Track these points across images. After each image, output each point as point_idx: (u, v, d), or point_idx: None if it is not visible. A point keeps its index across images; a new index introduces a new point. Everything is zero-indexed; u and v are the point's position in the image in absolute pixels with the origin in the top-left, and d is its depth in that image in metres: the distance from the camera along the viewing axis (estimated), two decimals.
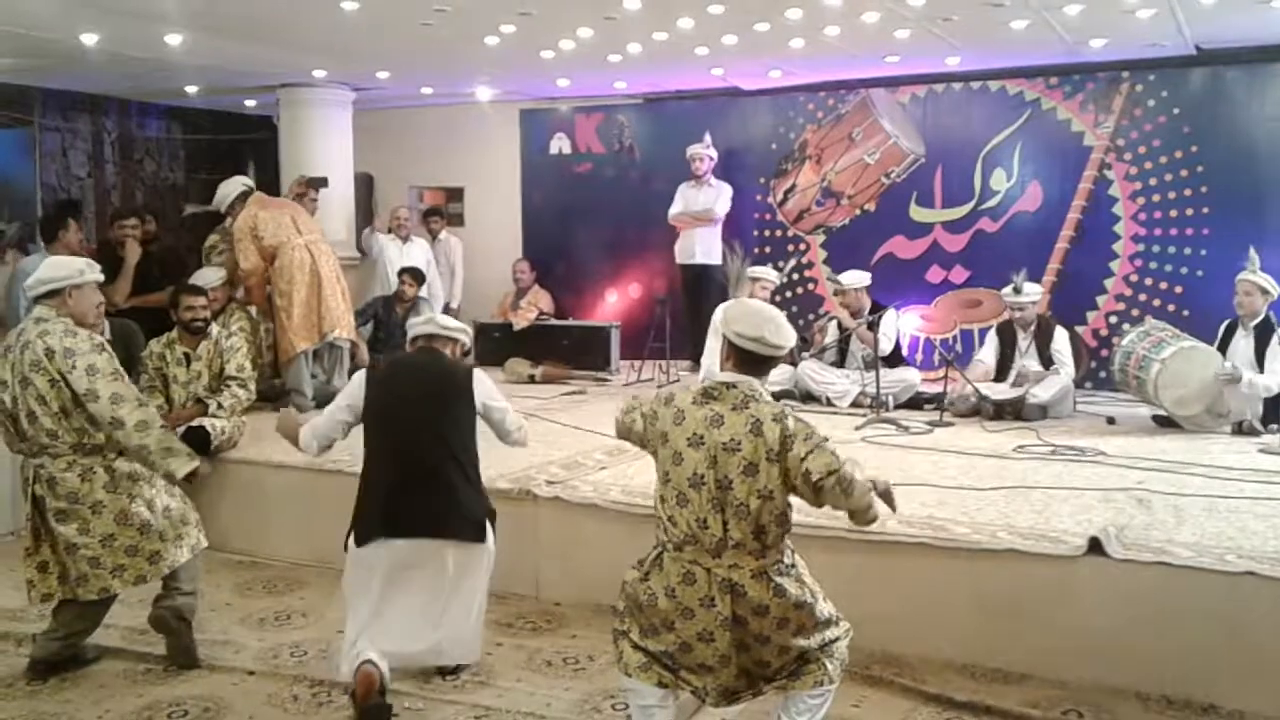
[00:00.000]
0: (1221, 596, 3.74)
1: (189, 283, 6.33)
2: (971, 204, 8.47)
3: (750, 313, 3.01)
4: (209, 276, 6.77)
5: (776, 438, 2.84)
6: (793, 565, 3.00)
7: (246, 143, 10.70)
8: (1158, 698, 3.69)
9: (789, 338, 2.99)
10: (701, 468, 2.87)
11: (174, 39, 7.04)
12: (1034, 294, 7.02)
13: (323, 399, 7.25)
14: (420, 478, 3.79)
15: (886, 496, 3.03)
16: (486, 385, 4.04)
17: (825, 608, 3.05)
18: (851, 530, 4.25)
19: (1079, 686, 3.77)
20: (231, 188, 7.18)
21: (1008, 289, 7.02)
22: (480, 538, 3.89)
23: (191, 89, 9.30)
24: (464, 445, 3.90)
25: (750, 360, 2.97)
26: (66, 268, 4.04)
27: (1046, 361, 6.89)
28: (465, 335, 4.20)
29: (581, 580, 4.72)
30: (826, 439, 2.90)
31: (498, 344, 9.01)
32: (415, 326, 4.14)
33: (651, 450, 3.06)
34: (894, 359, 7.37)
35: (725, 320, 3.02)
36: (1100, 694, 3.72)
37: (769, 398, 2.97)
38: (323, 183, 8.17)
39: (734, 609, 2.90)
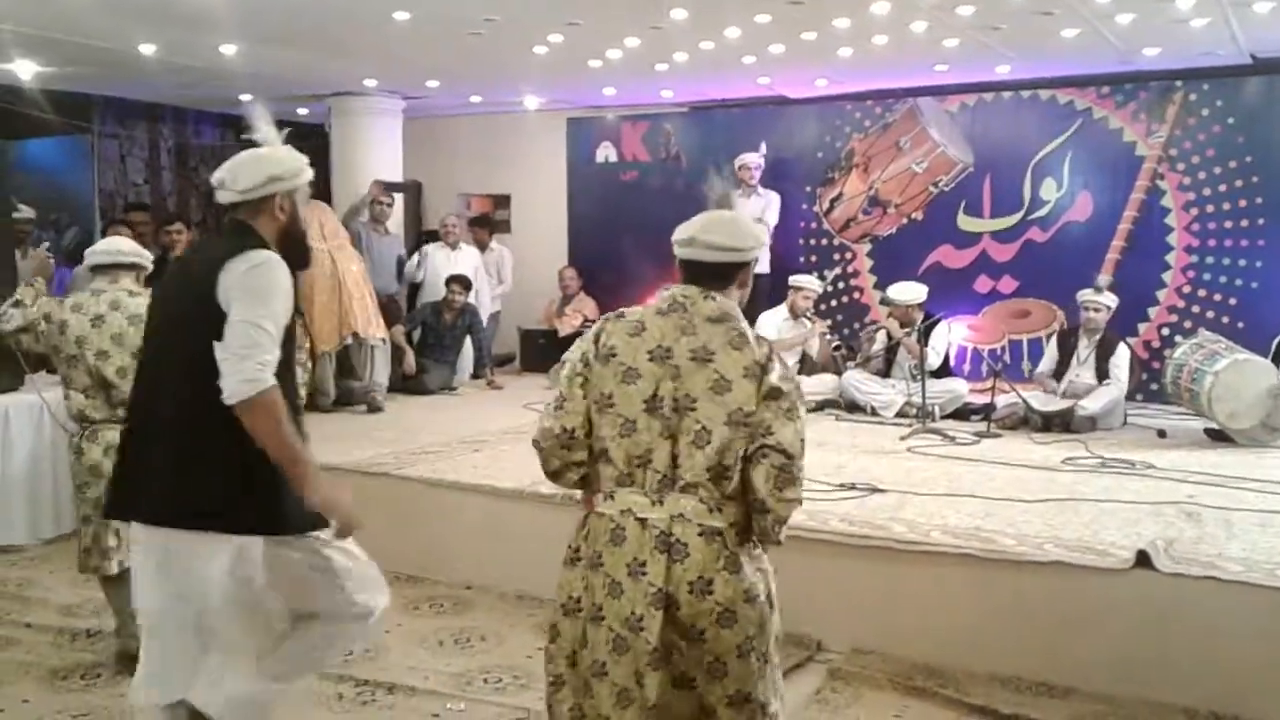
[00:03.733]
0: (1272, 612, 3.68)
1: None
2: (1021, 214, 8.40)
3: (689, 220, 2.46)
4: None
5: (761, 356, 2.33)
6: (757, 545, 2.38)
7: (299, 150, 10.85)
8: (1205, 714, 3.64)
9: (736, 236, 2.42)
10: (663, 385, 2.31)
11: (228, 49, 7.18)
12: (1110, 299, 6.94)
13: (350, 397, 7.40)
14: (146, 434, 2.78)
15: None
16: (241, 278, 2.64)
17: (777, 662, 2.44)
18: (895, 539, 4.28)
19: (1124, 701, 3.73)
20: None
21: (1087, 290, 6.94)
22: (208, 524, 2.68)
23: (245, 97, 9.46)
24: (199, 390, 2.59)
25: (699, 273, 2.42)
26: (134, 249, 4.18)
27: (1101, 374, 6.82)
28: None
29: None
30: (797, 406, 2.33)
31: (543, 350, 9.06)
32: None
33: (582, 388, 2.40)
34: (941, 369, 7.33)
35: None
36: (1146, 709, 3.68)
37: (744, 321, 2.42)
38: (396, 188, 8.34)
39: (668, 579, 2.26)
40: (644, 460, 2.32)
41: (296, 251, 2.87)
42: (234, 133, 10.78)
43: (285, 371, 2.69)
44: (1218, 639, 3.72)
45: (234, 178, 2.82)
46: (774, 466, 2.25)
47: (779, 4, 6.03)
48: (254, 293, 2.63)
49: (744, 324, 2.40)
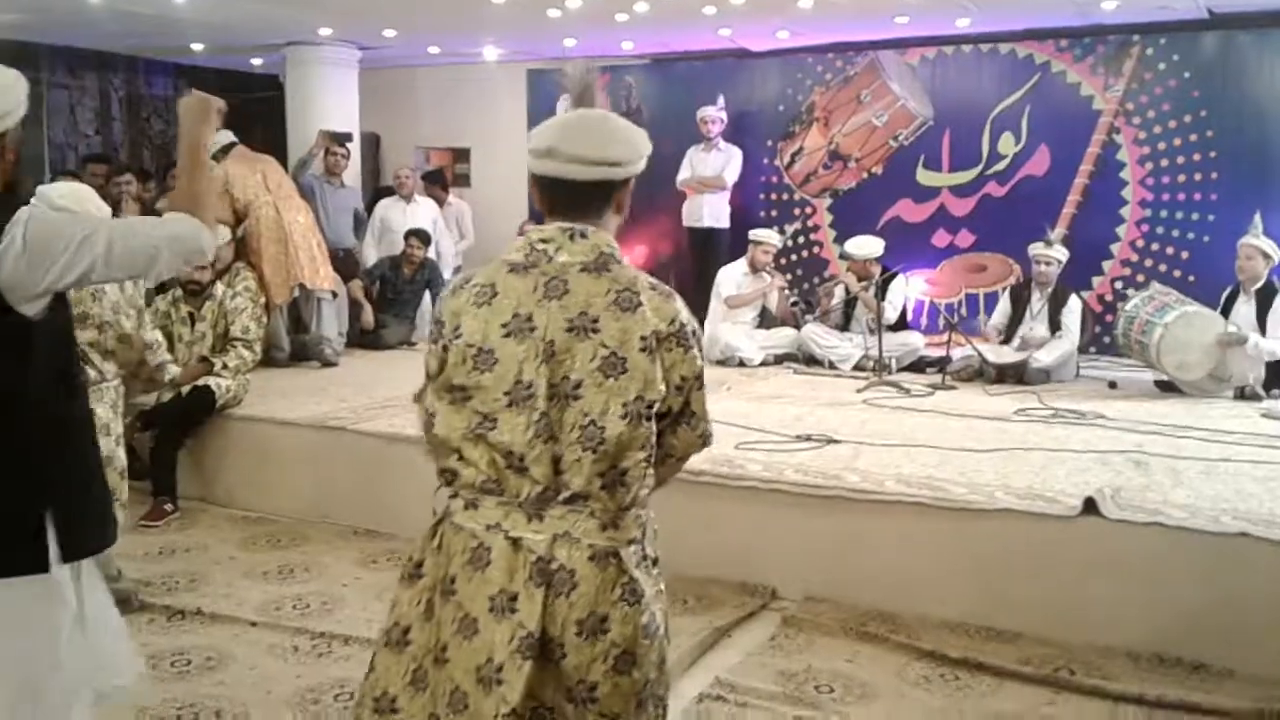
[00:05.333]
0: (1214, 557, 3.76)
1: None
2: (979, 168, 8.43)
3: (547, 123, 1.93)
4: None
5: (664, 317, 1.83)
6: (655, 561, 1.93)
7: (253, 101, 10.67)
8: (1149, 656, 3.72)
9: (610, 143, 1.88)
10: (529, 367, 1.78)
11: None
12: (1060, 253, 6.99)
13: (306, 351, 7.35)
14: None
15: None
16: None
17: (669, 702, 2.01)
18: (849, 489, 4.33)
19: (1071, 645, 3.81)
20: (218, 138, 7.26)
21: (1038, 243, 7.00)
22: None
23: (197, 46, 9.27)
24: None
25: (563, 194, 1.88)
26: (99, 200, 4.11)
27: (1055, 326, 6.89)
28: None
29: None
30: (702, 379, 1.94)
31: None
32: None
33: (440, 372, 1.90)
34: (898, 323, 7.38)
35: None
36: (1092, 652, 3.76)
37: (629, 266, 1.91)
38: (346, 138, 8.21)
39: (546, 617, 1.77)
40: (515, 463, 1.79)
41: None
42: (187, 83, 10.59)
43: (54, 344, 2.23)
44: (1161, 583, 3.81)
45: None
46: (694, 429, 1.95)
47: None
48: None
49: (630, 269, 1.88)
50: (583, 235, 1.87)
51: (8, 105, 2.24)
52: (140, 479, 5.17)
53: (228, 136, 7.33)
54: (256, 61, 10.00)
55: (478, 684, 1.78)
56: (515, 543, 1.80)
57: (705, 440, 1.98)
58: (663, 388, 1.83)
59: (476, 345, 1.83)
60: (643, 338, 1.80)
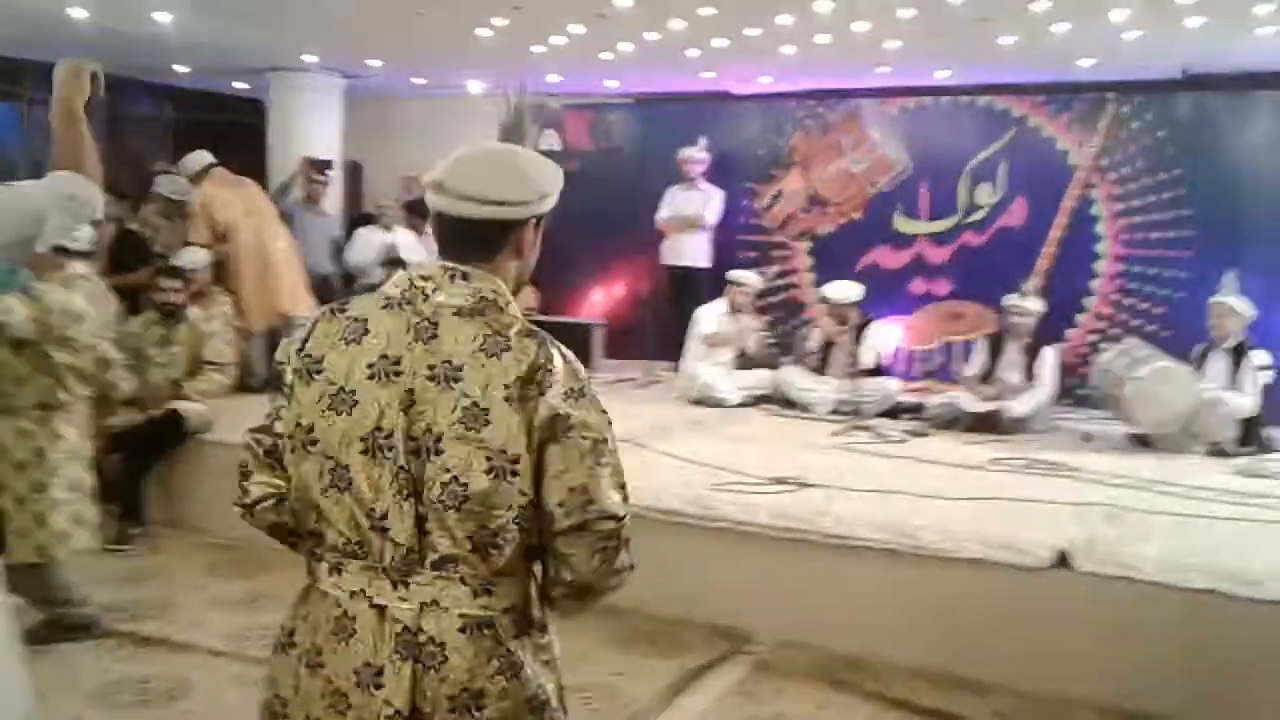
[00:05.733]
0: (1183, 613, 3.78)
1: (169, 264, 6.31)
2: (957, 217, 8.51)
3: (454, 155, 1.76)
4: (192, 258, 6.74)
5: (529, 364, 1.62)
6: (544, 631, 1.76)
7: (235, 125, 10.67)
8: (1116, 711, 3.73)
9: (504, 181, 1.73)
10: (389, 415, 1.63)
11: (163, 16, 7.03)
12: (1035, 305, 7.05)
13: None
14: None
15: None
16: None
17: None
18: (823, 534, 4.33)
19: (1040, 697, 3.81)
20: (197, 160, 7.24)
21: (1012, 295, 7.06)
22: None
23: (181, 68, 9.27)
24: None
25: (451, 232, 1.74)
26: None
27: (1029, 377, 6.93)
28: None
29: None
30: (604, 440, 1.68)
31: None
32: None
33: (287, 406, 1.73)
34: (874, 369, 7.40)
35: None
36: (1061, 706, 3.76)
37: (517, 311, 1.74)
38: (327, 165, 8.19)
39: (415, 693, 1.63)
40: (376, 525, 1.64)
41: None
42: (169, 104, 10.56)
43: None
44: (1131, 638, 3.82)
45: None
46: (599, 537, 1.65)
47: None
48: None
49: (509, 314, 1.70)
50: (464, 277, 1.71)
51: None
52: (109, 502, 5.09)
53: (206, 158, 7.29)
54: (240, 85, 10.00)
55: None
56: (381, 611, 1.64)
57: (606, 555, 1.66)
58: (524, 440, 1.61)
59: (337, 385, 1.67)
60: (505, 385, 1.61)
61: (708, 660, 4.08)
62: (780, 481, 5.03)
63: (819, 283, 8.41)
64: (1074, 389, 7.79)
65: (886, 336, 7.84)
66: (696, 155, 8.60)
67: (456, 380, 1.62)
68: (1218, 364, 6.36)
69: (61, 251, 3.94)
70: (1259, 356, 6.01)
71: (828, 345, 7.46)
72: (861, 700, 3.82)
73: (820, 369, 7.49)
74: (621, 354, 8.65)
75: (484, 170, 1.74)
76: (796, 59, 7.56)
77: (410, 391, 1.63)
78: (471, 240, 1.73)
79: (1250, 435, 6.17)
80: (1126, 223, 8.00)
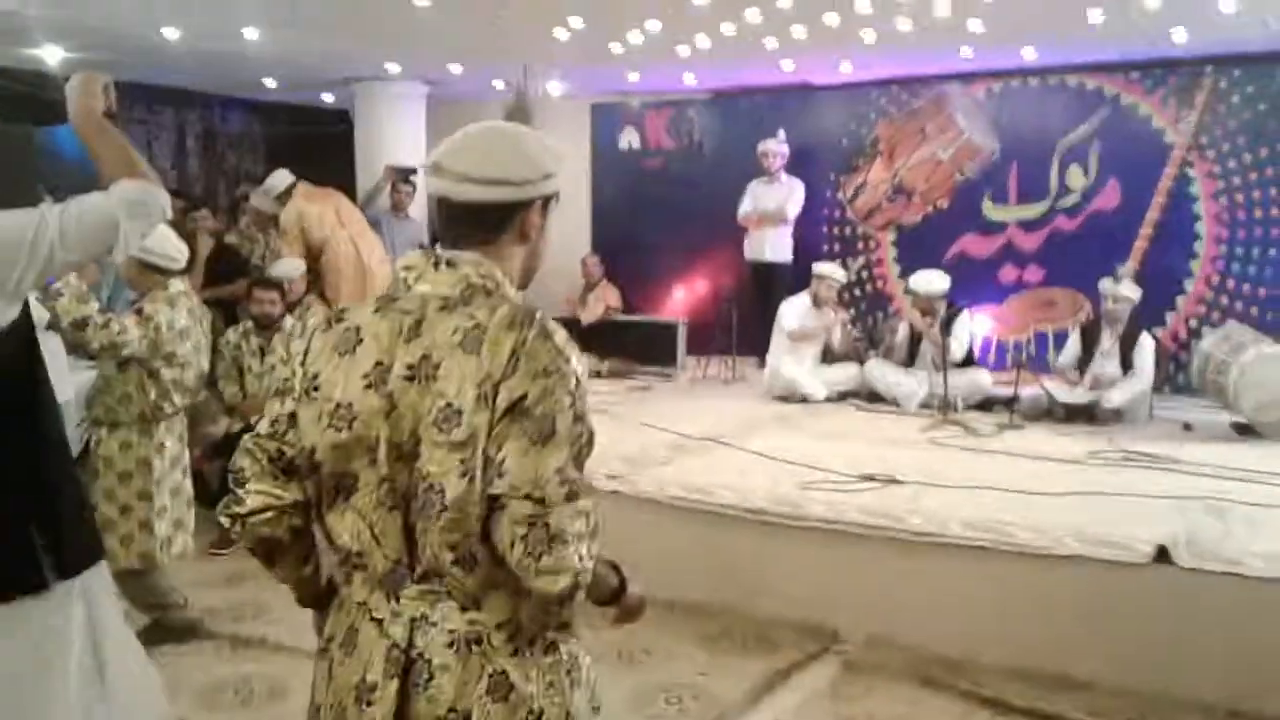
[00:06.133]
0: None
1: (264, 275, 6.48)
2: (1048, 201, 8.30)
3: (453, 135, 1.69)
4: (287, 268, 6.90)
5: (505, 354, 1.50)
6: (554, 648, 1.62)
7: (324, 136, 10.90)
8: (1223, 710, 3.60)
9: (503, 160, 1.63)
10: (377, 422, 1.55)
11: (251, 33, 7.20)
12: (1131, 291, 6.84)
13: None
14: None
15: (627, 611, 1.82)
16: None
17: None
18: (912, 531, 4.26)
19: (1141, 695, 3.69)
20: (279, 180, 7.41)
21: (1107, 280, 6.86)
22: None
23: (270, 83, 9.49)
24: None
25: (449, 217, 1.65)
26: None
27: (1126, 366, 6.73)
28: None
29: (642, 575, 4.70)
30: (584, 435, 1.55)
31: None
32: None
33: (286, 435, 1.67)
34: (964, 360, 7.26)
35: None
36: (1164, 704, 3.64)
37: (514, 296, 1.64)
38: (411, 171, 8.33)
39: (406, 714, 1.56)
40: (372, 534, 1.58)
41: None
42: (260, 119, 10.84)
43: None
44: (1238, 635, 3.69)
45: None
46: (515, 522, 1.46)
47: None
48: None
49: (503, 303, 1.58)
50: (449, 264, 1.60)
51: None
52: (209, 507, 5.25)
53: (288, 176, 7.46)
54: (327, 97, 10.20)
55: None
56: (380, 625, 1.58)
57: (529, 544, 1.46)
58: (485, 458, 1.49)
59: (335, 401, 1.58)
60: (478, 383, 1.49)
61: (796, 659, 4.05)
62: (868, 479, 4.97)
63: (905, 274, 8.29)
64: (1173, 377, 7.54)
65: (976, 327, 7.68)
66: (776, 148, 8.53)
67: (434, 379, 1.52)
68: None
69: (160, 271, 4.07)
70: None
71: (915, 338, 7.34)
72: (954, 700, 3.75)
73: (908, 362, 7.37)
74: (705, 351, 8.63)
75: (483, 149, 1.65)
76: (877, 45, 7.41)
77: (390, 394, 1.54)
78: (471, 225, 1.64)
79: None
80: (1226, 201, 7.70)
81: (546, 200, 1.70)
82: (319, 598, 1.78)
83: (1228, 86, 7.67)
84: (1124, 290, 6.78)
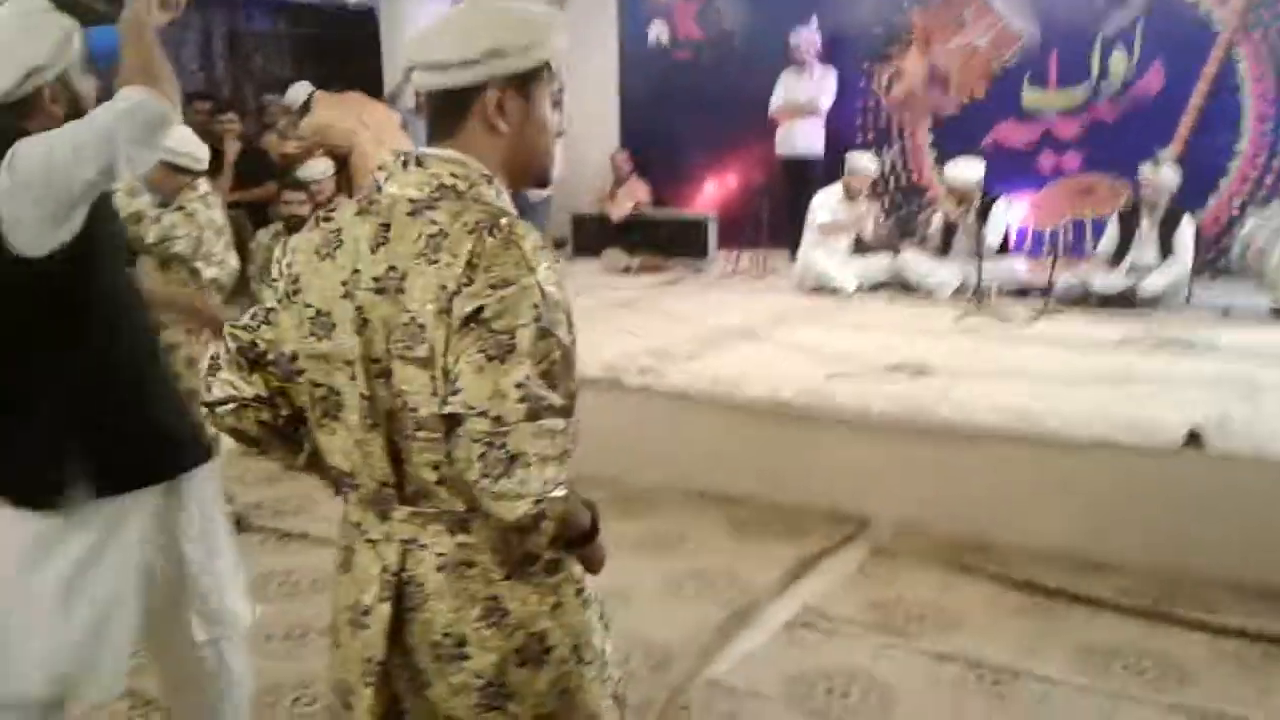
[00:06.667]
0: None
1: (293, 177, 6.48)
2: (1088, 87, 8.08)
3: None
4: (315, 169, 6.88)
5: (462, 263, 1.38)
6: (554, 570, 1.53)
7: (351, 38, 10.79)
8: (1252, 587, 3.63)
9: (466, 36, 1.49)
10: (353, 335, 1.46)
11: None
12: (1171, 176, 6.69)
13: None
14: None
15: (587, 561, 1.58)
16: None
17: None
18: (940, 421, 4.27)
19: (1171, 577, 3.73)
20: (298, 92, 7.41)
21: (1147, 164, 6.73)
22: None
23: None
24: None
25: (429, 114, 1.55)
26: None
27: (1165, 251, 6.63)
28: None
29: (668, 467, 4.77)
30: (554, 351, 1.41)
31: (595, 235, 9.05)
32: None
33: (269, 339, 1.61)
34: (1000, 248, 7.17)
35: None
36: (1193, 583, 3.68)
37: (497, 198, 1.50)
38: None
39: (403, 637, 1.51)
40: (361, 451, 1.50)
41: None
42: (286, 19, 10.72)
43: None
44: (1267, 517, 3.70)
45: None
46: (472, 439, 1.36)
47: None
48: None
49: (473, 203, 1.45)
50: (418, 162, 1.48)
51: (39, 57, 2.13)
52: None
53: (307, 88, 7.45)
54: None
55: (340, 699, 1.59)
56: (374, 546, 1.52)
57: (488, 464, 1.35)
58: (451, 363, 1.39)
59: (315, 307, 1.50)
60: (439, 292, 1.39)
61: (826, 545, 4.11)
62: (897, 369, 4.97)
63: (940, 163, 8.14)
64: (1214, 261, 7.41)
65: (1012, 215, 7.56)
66: (808, 36, 8.34)
67: (401, 291, 1.42)
68: None
69: (185, 172, 4.09)
70: None
71: (949, 227, 7.25)
72: (984, 582, 3.80)
73: (943, 252, 7.30)
74: (736, 244, 8.57)
75: (435, 31, 1.51)
76: None
77: (360, 309, 1.45)
78: (438, 116, 1.53)
79: None
80: (1272, 82, 7.46)
81: (517, 81, 1.51)
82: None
83: None
84: (1163, 175, 6.64)
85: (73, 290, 2.13)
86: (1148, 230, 6.68)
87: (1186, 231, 6.61)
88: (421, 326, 1.40)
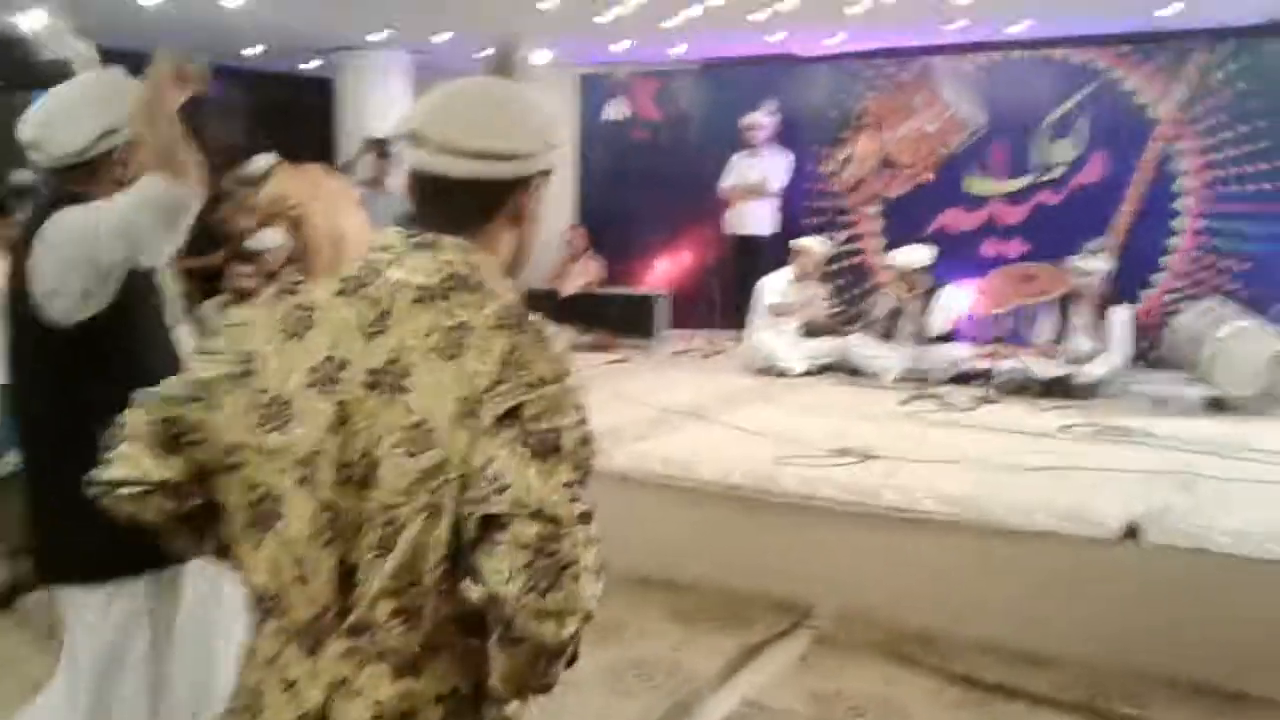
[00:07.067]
0: (1261, 586, 3.67)
1: (244, 247, 6.44)
2: (1032, 176, 8.30)
3: (425, 97, 1.41)
4: (266, 239, 6.84)
5: (494, 361, 1.25)
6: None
7: (305, 106, 10.82)
8: (1186, 684, 3.64)
9: (500, 126, 1.36)
10: (315, 431, 1.28)
11: (231, 2, 7.13)
12: (1102, 265, 6.87)
13: None
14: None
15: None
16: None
17: None
18: (886, 507, 4.28)
19: (1108, 671, 3.73)
20: (259, 164, 7.39)
21: (1077, 257, 6.91)
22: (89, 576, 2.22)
23: (249, 51, 9.41)
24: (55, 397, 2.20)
25: (431, 194, 1.37)
26: None
27: (1101, 339, 6.77)
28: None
29: (612, 552, 4.69)
30: (590, 459, 1.29)
31: (546, 311, 8.90)
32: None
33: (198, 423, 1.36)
34: (944, 335, 7.28)
35: None
36: (1129, 679, 3.68)
37: (506, 291, 1.36)
38: (389, 144, 8.28)
39: None
40: (299, 574, 1.30)
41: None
42: (241, 87, 10.74)
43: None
44: (1203, 611, 3.73)
45: (51, 135, 2.20)
46: (520, 546, 1.19)
47: None
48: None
49: (491, 299, 1.32)
50: (430, 247, 1.33)
51: (116, 118, 2.22)
52: None
53: (270, 159, 7.42)
54: (308, 66, 10.12)
55: None
56: (290, 687, 1.30)
57: (534, 575, 1.19)
58: (463, 482, 1.23)
59: (271, 393, 1.31)
60: (460, 398, 1.23)
61: (770, 635, 4.08)
62: (844, 454, 4.99)
63: (888, 247, 8.29)
64: (1150, 351, 7.57)
65: (957, 301, 7.69)
66: (760, 120, 8.51)
67: (403, 390, 1.25)
68: None
69: None
70: None
71: (896, 312, 7.35)
72: (924, 675, 3.79)
73: (888, 336, 7.39)
74: (686, 324, 8.65)
75: (474, 113, 1.36)
76: (865, 18, 7.37)
77: (343, 404, 1.27)
78: (458, 205, 1.36)
79: None
80: (1210, 176, 7.71)
81: (544, 178, 1.43)
82: None
83: (1216, 61, 7.66)
84: (1094, 264, 6.81)
85: (106, 358, 2.16)
86: (1083, 319, 6.83)
87: (1121, 320, 6.77)
88: (431, 431, 1.23)
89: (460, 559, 1.25)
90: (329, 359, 1.30)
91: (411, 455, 1.24)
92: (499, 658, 1.23)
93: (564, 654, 1.23)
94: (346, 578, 1.28)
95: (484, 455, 1.22)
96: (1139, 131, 7.92)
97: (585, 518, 1.24)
